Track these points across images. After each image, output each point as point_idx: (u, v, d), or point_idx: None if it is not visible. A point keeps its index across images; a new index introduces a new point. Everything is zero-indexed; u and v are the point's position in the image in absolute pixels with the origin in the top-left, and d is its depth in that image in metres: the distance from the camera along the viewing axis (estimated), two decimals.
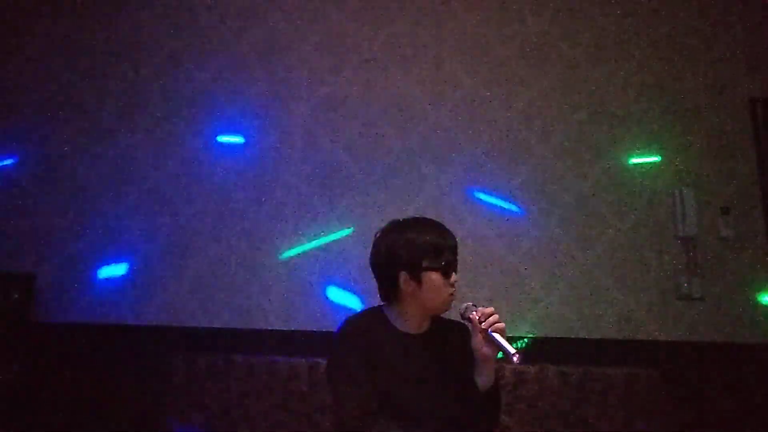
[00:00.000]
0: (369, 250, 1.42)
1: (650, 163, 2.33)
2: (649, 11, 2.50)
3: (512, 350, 1.20)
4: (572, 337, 2.17)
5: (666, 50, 2.46)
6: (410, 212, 1.50)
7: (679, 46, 2.46)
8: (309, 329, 2.16)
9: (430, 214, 1.44)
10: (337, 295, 2.21)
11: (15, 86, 2.44)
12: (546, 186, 2.32)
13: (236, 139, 2.38)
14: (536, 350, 2.06)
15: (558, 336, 2.17)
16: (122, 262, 2.25)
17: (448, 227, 1.40)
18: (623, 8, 2.51)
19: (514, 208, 2.31)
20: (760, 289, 2.22)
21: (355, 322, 1.38)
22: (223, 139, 2.38)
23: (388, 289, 1.37)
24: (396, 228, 1.39)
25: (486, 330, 1.26)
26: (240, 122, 2.39)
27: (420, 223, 1.38)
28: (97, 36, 2.49)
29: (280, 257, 2.24)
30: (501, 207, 2.30)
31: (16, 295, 2.09)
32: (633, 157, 2.35)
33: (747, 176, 2.33)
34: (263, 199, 2.31)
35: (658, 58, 2.45)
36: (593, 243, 2.27)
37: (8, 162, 2.36)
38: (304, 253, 2.25)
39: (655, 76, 2.43)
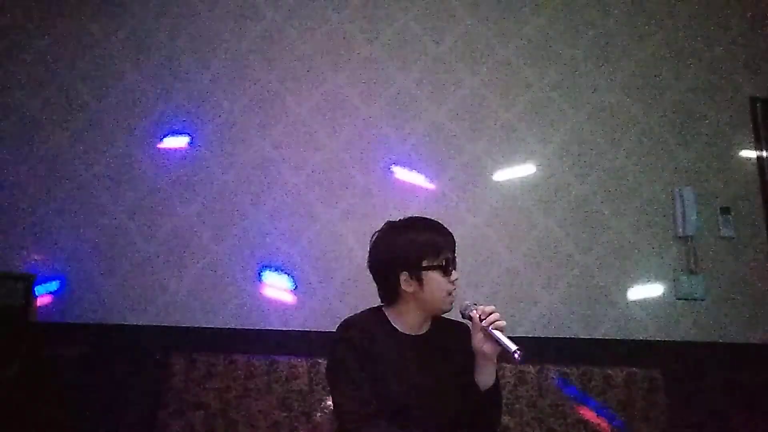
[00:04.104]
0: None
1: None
2: (649, 11, 2.51)
3: (513, 347, 1.19)
4: (572, 337, 2.17)
5: (666, 50, 2.46)
6: (410, 212, 1.49)
7: (679, 46, 2.47)
8: (309, 329, 2.16)
9: (431, 214, 1.44)
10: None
11: (15, 86, 2.44)
12: (546, 186, 2.32)
13: (235, 139, 2.38)
14: (536, 350, 2.06)
15: (558, 336, 2.17)
16: (122, 262, 2.25)
17: (448, 227, 1.40)
18: (623, 8, 2.51)
19: (514, 207, 2.31)
20: (760, 289, 2.22)
21: (354, 322, 1.37)
22: (223, 139, 2.38)
23: (389, 290, 1.37)
24: (393, 229, 1.38)
25: (486, 328, 1.26)
26: (240, 122, 2.39)
27: (416, 223, 1.38)
28: (97, 36, 2.49)
29: None
30: (501, 207, 2.30)
31: (16, 295, 2.09)
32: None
33: (747, 176, 2.34)
34: (263, 199, 2.31)
35: (659, 58, 2.45)
36: (593, 243, 2.27)
37: (9, 161, 2.36)
38: (306, 250, 2.25)
39: (655, 76, 2.44)
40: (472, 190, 2.32)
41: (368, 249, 1.42)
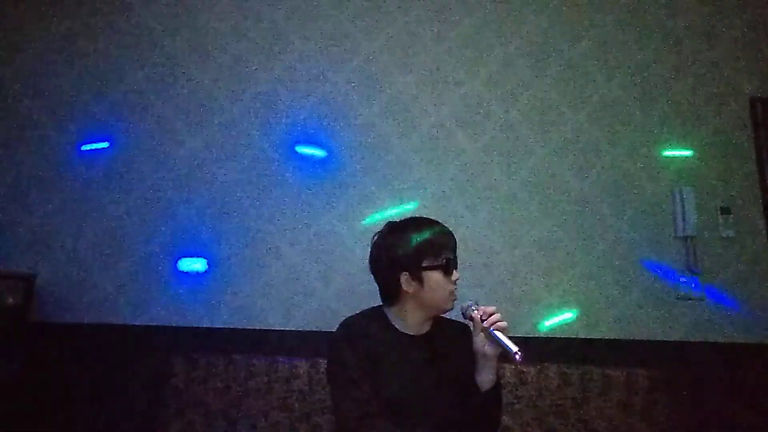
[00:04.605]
0: (369, 249, 1.42)
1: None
2: (648, 11, 2.50)
3: (514, 348, 1.19)
4: (572, 337, 2.17)
5: (666, 50, 2.46)
6: (410, 212, 1.50)
7: (679, 46, 2.47)
8: (309, 329, 2.16)
9: (431, 214, 1.44)
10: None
11: (15, 86, 2.44)
12: (546, 186, 2.32)
13: (236, 140, 2.38)
14: (536, 350, 2.06)
15: (558, 336, 2.17)
16: (122, 262, 2.25)
17: (448, 227, 1.40)
18: (623, 8, 2.51)
19: (514, 207, 2.31)
20: (760, 289, 2.22)
21: (354, 322, 1.37)
22: (223, 138, 2.38)
23: (390, 291, 1.37)
24: (393, 229, 1.38)
25: (488, 328, 1.25)
26: (240, 122, 2.39)
27: (417, 223, 1.38)
28: (97, 36, 2.49)
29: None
30: (501, 207, 2.30)
31: (16, 296, 2.09)
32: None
33: (747, 176, 2.34)
34: (263, 199, 2.31)
35: (659, 57, 2.45)
36: (593, 243, 2.27)
37: (9, 161, 2.35)
38: (306, 251, 2.25)
39: (655, 76, 2.43)
40: (472, 190, 2.32)
41: (368, 249, 1.41)
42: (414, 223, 1.38)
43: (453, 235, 1.37)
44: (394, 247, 1.34)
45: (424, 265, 1.31)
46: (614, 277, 2.24)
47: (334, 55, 2.46)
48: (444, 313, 1.37)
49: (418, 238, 1.33)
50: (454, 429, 1.31)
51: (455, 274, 1.33)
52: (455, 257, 1.36)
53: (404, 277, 1.32)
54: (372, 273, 1.40)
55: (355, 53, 2.47)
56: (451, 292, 1.32)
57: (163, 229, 2.28)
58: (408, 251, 1.32)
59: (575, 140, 2.37)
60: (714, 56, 2.46)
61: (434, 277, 1.31)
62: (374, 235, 1.42)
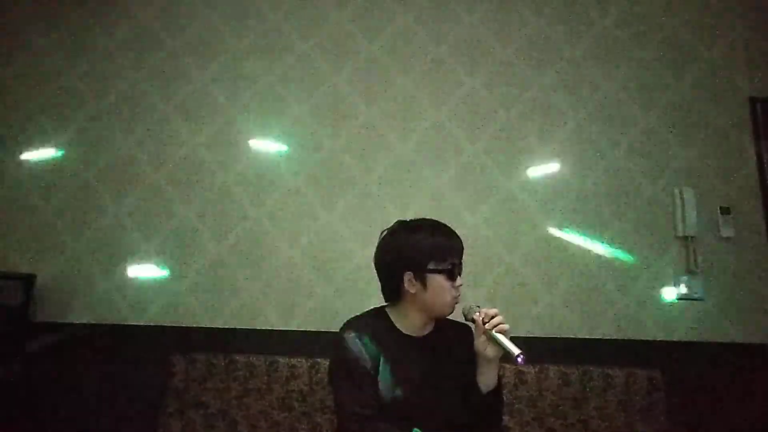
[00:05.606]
0: (369, 249, 1.42)
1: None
2: (649, 11, 2.50)
3: (516, 351, 1.19)
4: (572, 337, 2.17)
5: (666, 50, 2.46)
6: (410, 212, 1.49)
7: (679, 46, 2.47)
8: (309, 329, 2.16)
9: (430, 215, 1.44)
10: None
11: (15, 86, 2.44)
12: (546, 185, 2.32)
13: (234, 140, 2.38)
14: (536, 350, 2.06)
15: (558, 336, 2.17)
16: (122, 262, 2.25)
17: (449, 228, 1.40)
18: (623, 8, 2.51)
19: (514, 207, 2.30)
20: (760, 289, 2.22)
21: (357, 323, 1.37)
22: (223, 139, 2.38)
23: (392, 289, 1.36)
24: (403, 228, 1.38)
25: (489, 331, 1.25)
26: (240, 122, 2.39)
27: (427, 225, 1.37)
28: (97, 36, 2.49)
29: None
30: (501, 207, 2.30)
31: (16, 296, 2.09)
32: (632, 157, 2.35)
33: (747, 176, 2.34)
34: (263, 199, 2.31)
35: (659, 58, 2.45)
36: (593, 243, 2.27)
37: (9, 161, 2.35)
38: (306, 251, 2.25)
39: (655, 76, 2.43)
40: (472, 190, 2.32)
41: (374, 247, 1.41)
42: (425, 224, 1.38)
43: (461, 242, 1.37)
44: (402, 245, 1.34)
45: (429, 267, 1.30)
46: (614, 277, 2.23)
47: (334, 55, 2.46)
48: (443, 317, 1.37)
49: (427, 239, 1.33)
50: (455, 430, 1.31)
51: (459, 280, 1.33)
52: (461, 264, 1.36)
53: (408, 277, 1.32)
54: (376, 269, 1.40)
55: (355, 53, 2.46)
56: (453, 298, 1.32)
57: (163, 229, 2.28)
58: (416, 251, 1.31)
59: (575, 140, 2.37)
60: (714, 56, 2.45)
61: (438, 280, 1.30)
62: (383, 232, 1.42)
